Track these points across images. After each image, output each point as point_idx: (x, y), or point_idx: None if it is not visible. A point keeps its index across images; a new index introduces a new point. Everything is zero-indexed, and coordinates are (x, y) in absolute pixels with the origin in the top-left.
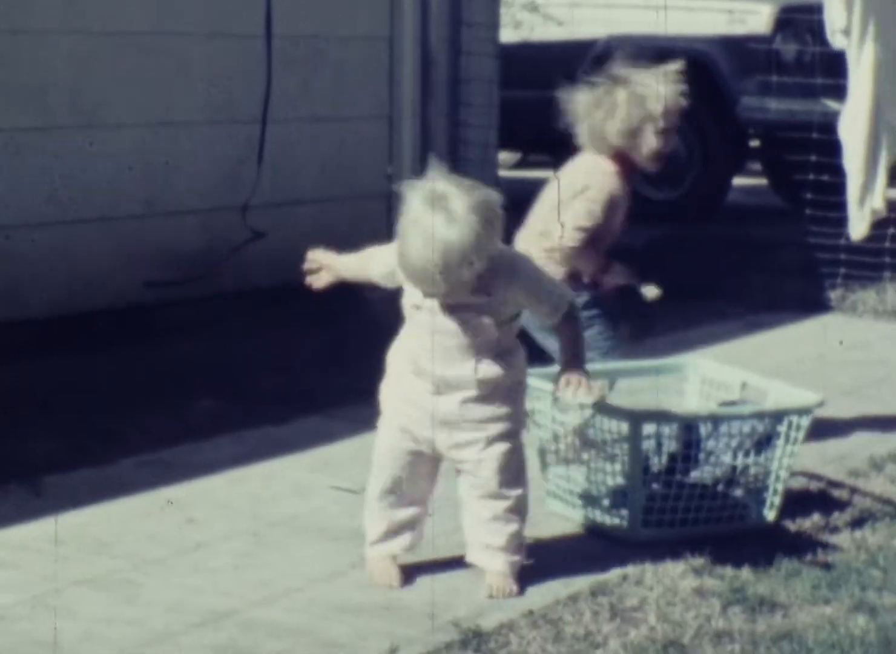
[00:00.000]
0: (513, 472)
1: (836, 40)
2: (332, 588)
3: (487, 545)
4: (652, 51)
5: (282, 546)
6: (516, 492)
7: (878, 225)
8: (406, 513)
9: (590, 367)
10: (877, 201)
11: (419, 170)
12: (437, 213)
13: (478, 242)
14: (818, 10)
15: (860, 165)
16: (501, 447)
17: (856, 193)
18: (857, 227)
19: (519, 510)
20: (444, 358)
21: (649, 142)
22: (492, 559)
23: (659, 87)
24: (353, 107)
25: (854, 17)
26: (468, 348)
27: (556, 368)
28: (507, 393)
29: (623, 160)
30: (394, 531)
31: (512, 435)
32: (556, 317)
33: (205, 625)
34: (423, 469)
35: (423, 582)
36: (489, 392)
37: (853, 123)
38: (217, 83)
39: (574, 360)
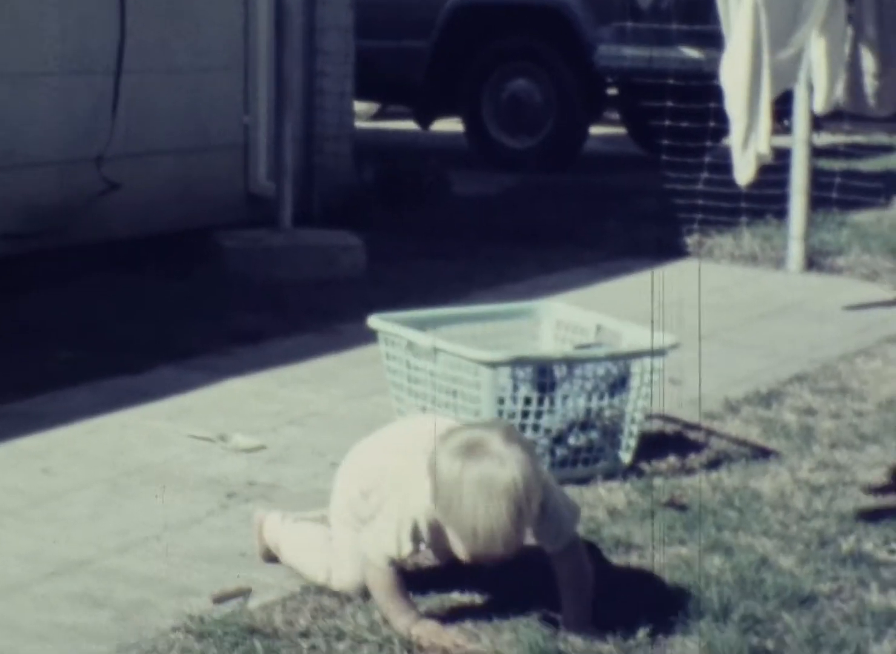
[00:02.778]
0: None
1: None
2: (188, 536)
3: None
4: (509, 5)
5: (138, 495)
6: None
7: (773, 171)
8: None
9: (438, 312)
10: (762, 145)
11: (274, 120)
12: (481, 460)
13: (535, 472)
14: None
15: (742, 108)
16: None
17: (739, 138)
18: (742, 171)
19: None
20: None
21: None
22: None
23: None
24: (209, 57)
25: None
26: None
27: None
28: None
29: None
30: None
31: None
32: (558, 545)
33: (59, 574)
34: None
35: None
36: None
37: (733, 66)
38: (71, 34)
39: (582, 613)
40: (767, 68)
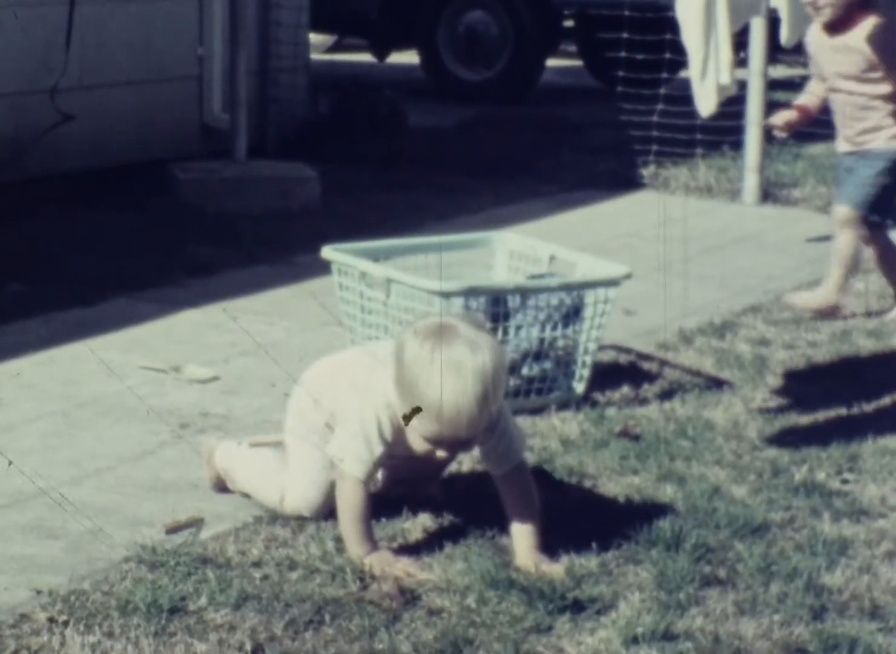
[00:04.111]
0: None
1: None
2: (141, 467)
3: None
4: None
5: (91, 426)
6: None
7: (729, 103)
8: None
9: (392, 242)
10: (723, 76)
11: (229, 51)
12: (452, 342)
13: (502, 362)
14: None
15: (699, 40)
16: None
17: (697, 69)
18: (704, 103)
19: None
20: None
21: None
22: None
23: None
24: None
25: None
26: None
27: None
28: None
29: None
30: None
31: None
32: (507, 466)
33: (12, 506)
34: None
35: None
36: None
37: None
38: None
39: (532, 534)
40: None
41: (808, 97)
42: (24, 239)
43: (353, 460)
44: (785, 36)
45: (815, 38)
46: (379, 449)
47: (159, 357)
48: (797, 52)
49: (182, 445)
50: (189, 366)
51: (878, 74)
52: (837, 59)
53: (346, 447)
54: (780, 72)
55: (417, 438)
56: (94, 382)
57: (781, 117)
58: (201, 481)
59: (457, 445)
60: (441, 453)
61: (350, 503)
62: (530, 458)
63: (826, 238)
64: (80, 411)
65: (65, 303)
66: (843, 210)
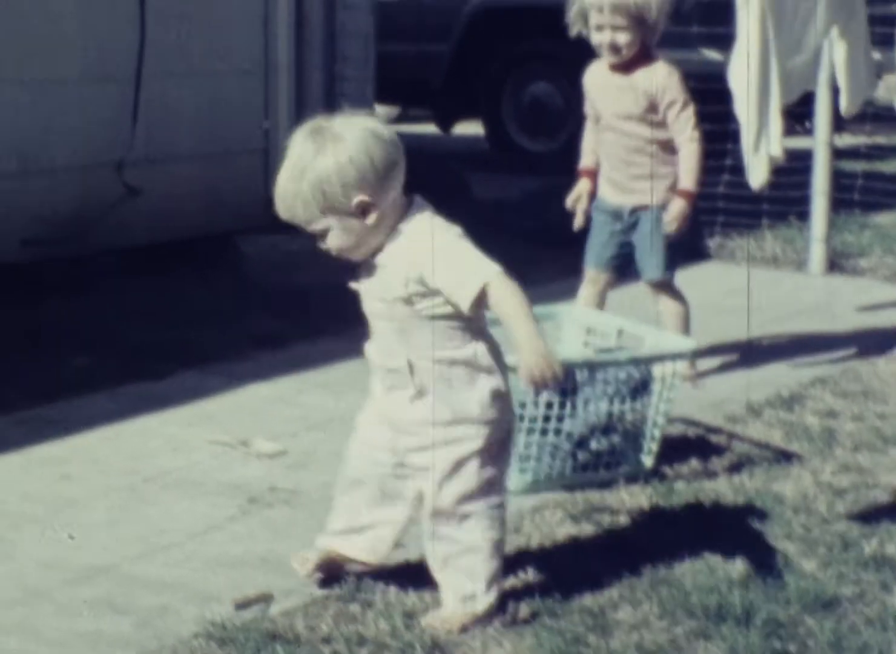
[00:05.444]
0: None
1: None
2: (209, 542)
3: None
4: (527, 4)
5: (158, 501)
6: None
7: (778, 172)
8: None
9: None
10: (774, 148)
11: (295, 125)
12: (308, 141)
13: (341, 171)
14: None
15: (752, 112)
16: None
17: (750, 141)
18: (756, 175)
19: None
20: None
21: (592, 35)
22: None
23: None
24: (228, 61)
25: None
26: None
27: None
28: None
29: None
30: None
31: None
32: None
33: (80, 581)
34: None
35: (302, 535)
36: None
37: (742, 69)
38: (90, 40)
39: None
40: (776, 73)
41: (590, 157)
42: (91, 313)
43: (486, 264)
44: (845, 106)
45: (600, 77)
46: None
47: (227, 431)
48: (861, 120)
49: (250, 520)
50: (257, 440)
51: (657, 116)
52: (620, 98)
53: (472, 264)
54: (845, 140)
55: None
56: (161, 456)
57: (576, 200)
58: (270, 555)
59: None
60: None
61: (522, 298)
62: (600, 533)
63: (889, 308)
64: (147, 486)
65: (132, 377)
66: None
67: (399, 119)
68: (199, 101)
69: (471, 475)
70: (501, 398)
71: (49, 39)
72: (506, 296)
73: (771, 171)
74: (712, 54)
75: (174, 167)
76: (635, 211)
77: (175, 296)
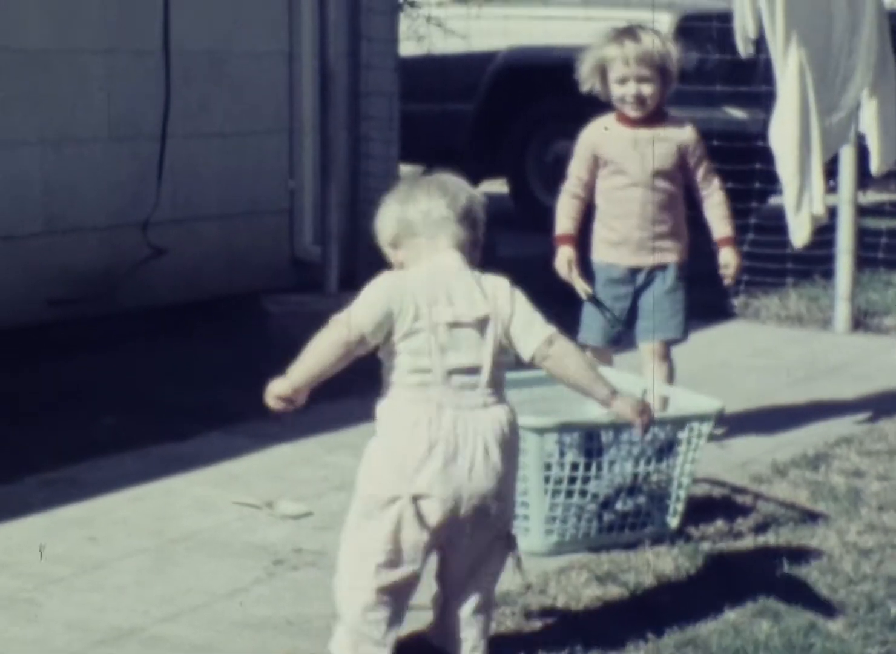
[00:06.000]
0: None
1: (745, 48)
2: (235, 604)
3: None
4: (551, 62)
5: (185, 562)
6: None
7: (819, 231)
8: None
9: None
10: (817, 207)
11: (320, 184)
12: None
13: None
14: (717, 18)
15: (793, 171)
16: None
17: (792, 200)
18: (798, 234)
19: None
20: None
21: (613, 88)
22: None
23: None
24: (253, 121)
25: (777, 25)
26: None
27: None
28: None
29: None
30: None
31: None
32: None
33: (107, 643)
34: None
35: (327, 597)
36: None
37: (782, 129)
38: (116, 99)
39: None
40: (817, 130)
41: (570, 222)
42: (117, 372)
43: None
44: (876, 165)
45: (617, 133)
46: None
47: (252, 492)
48: (885, 177)
49: (276, 582)
50: (282, 501)
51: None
52: (649, 153)
53: (539, 322)
54: (869, 198)
55: None
56: (187, 517)
57: (569, 269)
58: (296, 618)
59: None
60: None
61: (582, 355)
62: (626, 594)
63: None
64: (173, 547)
65: (158, 437)
66: None
67: None
68: (224, 161)
69: None
70: None
71: (74, 98)
72: (570, 349)
73: (813, 230)
74: (736, 113)
75: (199, 227)
76: (653, 271)
77: (201, 355)
